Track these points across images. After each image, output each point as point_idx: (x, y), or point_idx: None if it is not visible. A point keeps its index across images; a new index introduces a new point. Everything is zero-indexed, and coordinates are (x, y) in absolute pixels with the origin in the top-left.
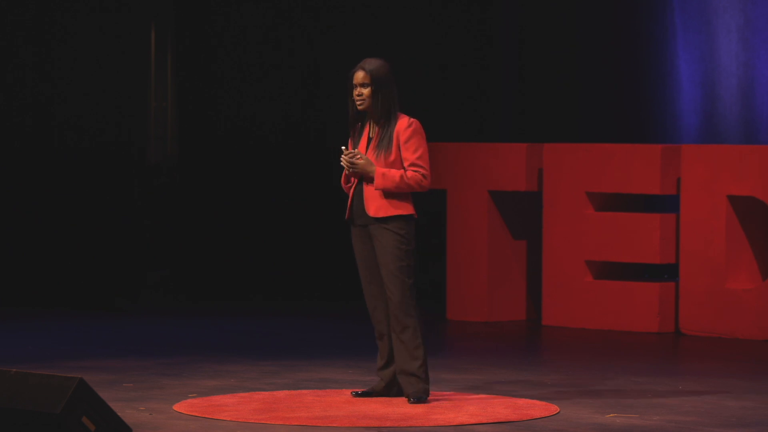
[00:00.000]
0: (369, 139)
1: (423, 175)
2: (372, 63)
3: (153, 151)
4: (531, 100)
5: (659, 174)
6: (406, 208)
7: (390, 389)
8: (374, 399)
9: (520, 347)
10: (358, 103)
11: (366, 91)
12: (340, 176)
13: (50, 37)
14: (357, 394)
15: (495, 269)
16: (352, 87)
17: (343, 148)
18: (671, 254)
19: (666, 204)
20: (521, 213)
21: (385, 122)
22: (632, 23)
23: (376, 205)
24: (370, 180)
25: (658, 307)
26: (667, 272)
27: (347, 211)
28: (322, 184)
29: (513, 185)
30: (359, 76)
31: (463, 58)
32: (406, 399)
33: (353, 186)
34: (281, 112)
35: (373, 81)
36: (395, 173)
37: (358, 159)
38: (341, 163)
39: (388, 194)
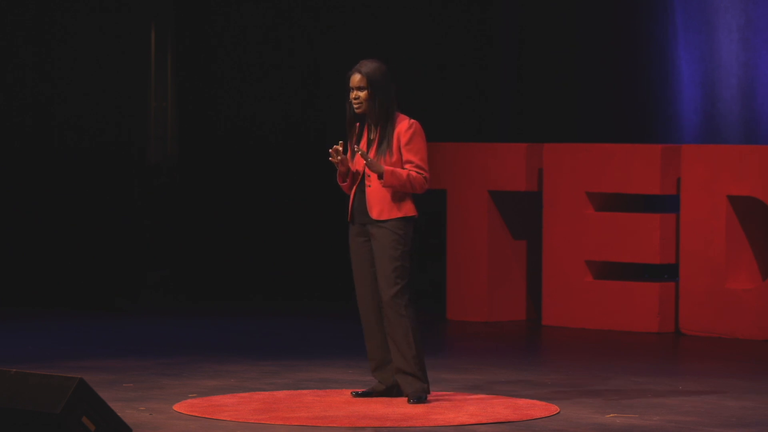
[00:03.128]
0: (369, 141)
1: (425, 178)
2: (368, 65)
3: (153, 151)
4: (530, 100)
5: (659, 174)
6: (407, 210)
7: (391, 391)
8: (374, 399)
9: (520, 347)
10: (355, 106)
11: (363, 94)
12: (341, 176)
13: (50, 37)
14: (357, 394)
15: (495, 269)
16: (349, 89)
17: (357, 146)
18: (671, 254)
19: (666, 204)
20: (521, 213)
21: (384, 124)
22: (632, 23)
23: (379, 208)
24: (378, 176)
25: (658, 307)
26: (667, 272)
27: (349, 213)
28: (322, 184)
29: (513, 185)
30: (355, 79)
31: (462, 59)
32: (406, 399)
33: (354, 186)
34: (281, 112)
35: (370, 84)
36: (402, 172)
37: (367, 158)
38: (331, 159)
39: (391, 196)
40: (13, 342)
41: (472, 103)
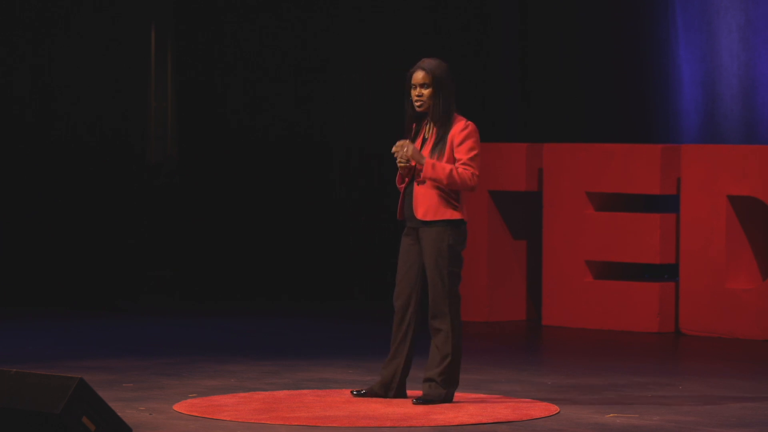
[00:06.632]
0: (424, 140)
1: (473, 174)
2: (432, 63)
3: (153, 151)
4: (532, 100)
5: (659, 174)
6: (454, 213)
7: (387, 390)
8: (374, 399)
9: (520, 347)
10: (417, 104)
11: (426, 92)
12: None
13: (50, 36)
14: (357, 394)
15: (495, 269)
16: (410, 87)
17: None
18: (671, 254)
19: (666, 204)
20: (521, 213)
21: (443, 124)
22: (633, 23)
23: (424, 208)
24: (419, 169)
25: (658, 307)
26: (667, 272)
27: (398, 211)
28: (322, 184)
29: (513, 185)
30: (419, 76)
31: (462, 58)
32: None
33: (405, 184)
34: (281, 112)
35: (434, 81)
36: (446, 165)
37: (405, 149)
38: (395, 152)
39: (438, 197)
40: (13, 342)
41: (473, 103)
